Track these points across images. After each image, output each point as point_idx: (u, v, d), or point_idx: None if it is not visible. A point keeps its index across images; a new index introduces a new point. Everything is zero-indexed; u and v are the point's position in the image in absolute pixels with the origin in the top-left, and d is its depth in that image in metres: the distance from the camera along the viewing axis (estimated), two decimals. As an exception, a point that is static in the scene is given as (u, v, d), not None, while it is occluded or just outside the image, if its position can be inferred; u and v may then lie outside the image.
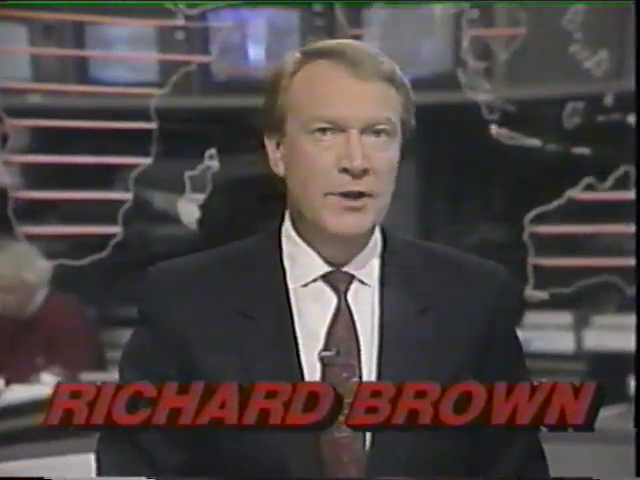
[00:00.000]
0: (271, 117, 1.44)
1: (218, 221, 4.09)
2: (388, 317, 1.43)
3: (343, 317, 1.43)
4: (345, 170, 1.39)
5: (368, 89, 1.40)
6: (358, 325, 1.43)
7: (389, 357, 1.41)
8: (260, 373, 1.39)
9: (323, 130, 1.40)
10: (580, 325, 4.14)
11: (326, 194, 1.40)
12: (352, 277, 1.45)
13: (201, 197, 3.98)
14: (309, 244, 1.45)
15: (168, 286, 1.45)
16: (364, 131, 1.40)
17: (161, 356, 1.43)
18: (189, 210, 3.99)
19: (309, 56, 1.43)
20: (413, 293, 1.45)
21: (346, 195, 1.40)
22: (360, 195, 1.40)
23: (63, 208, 4.08)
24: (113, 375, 3.60)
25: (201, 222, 3.99)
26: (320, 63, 1.42)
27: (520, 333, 1.51)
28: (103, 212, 3.97)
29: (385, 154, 1.41)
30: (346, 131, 1.40)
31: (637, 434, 2.64)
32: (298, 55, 1.44)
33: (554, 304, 3.98)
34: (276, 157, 1.45)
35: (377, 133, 1.41)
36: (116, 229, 3.95)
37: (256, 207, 3.23)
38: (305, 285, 1.44)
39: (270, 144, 1.46)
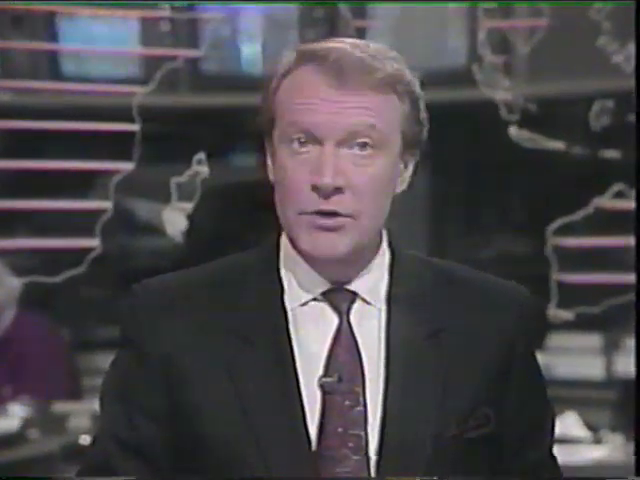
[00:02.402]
0: (263, 120, 1.46)
1: (207, 233, 4.10)
2: (395, 340, 1.44)
3: (345, 339, 1.44)
4: (316, 188, 1.40)
5: (351, 98, 1.40)
6: (362, 348, 1.44)
7: (396, 385, 1.43)
8: (256, 402, 1.42)
9: (302, 142, 1.41)
10: (610, 349, 4.16)
11: (300, 213, 1.41)
12: (355, 295, 1.46)
13: (188, 206, 3.99)
14: (307, 260, 1.46)
15: (154, 306, 1.46)
16: (343, 143, 1.40)
17: (147, 385, 1.44)
18: (175, 220, 4.00)
19: (301, 58, 1.44)
20: (423, 315, 1.46)
21: (319, 213, 1.40)
22: (334, 214, 1.40)
23: (34, 219, 4.09)
24: (91, 405, 3.62)
25: (188, 234, 3.99)
26: (307, 68, 1.43)
27: (543, 357, 1.54)
28: (79, 223, 3.99)
29: (368, 170, 1.41)
30: (322, 143, 1.40)
31: (637, 433, 2.66)
32: (293, 55, 1.45)
33: (581, 325, 3.99)
34: (270, 164, 1.47)
35: (361, 146, 1.41)
36: (94, 242, 3.96)
37: (250, 218, 3.25)
38: (304, 304, 1.46)
39: (267, 148, 1.48)
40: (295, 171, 1.41)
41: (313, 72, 1.42)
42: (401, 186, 1.48)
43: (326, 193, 1.40)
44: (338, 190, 1.40)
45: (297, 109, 1.41)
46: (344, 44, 1.44)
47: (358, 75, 1.40)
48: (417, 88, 1.45)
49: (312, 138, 1.41)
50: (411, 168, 1.48)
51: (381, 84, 1.41)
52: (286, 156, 1.42)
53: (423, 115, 1.46)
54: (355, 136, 1.41)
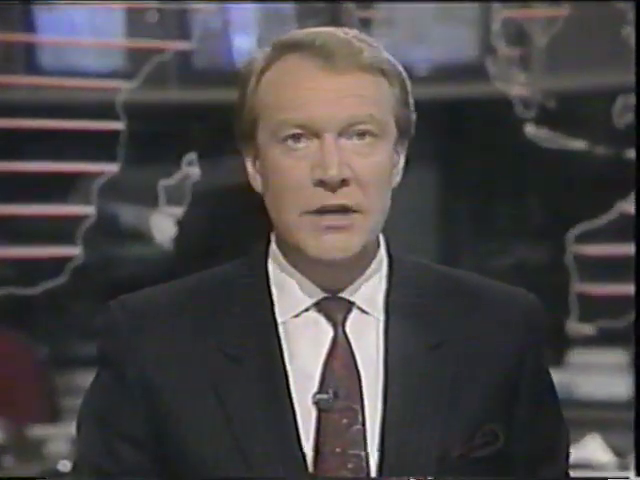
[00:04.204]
0: (242, 123, 1.47)
1: (198, 240, 4.12)
2: (395, 353, 1.45)
3: (341, 352, 1.45)
4: (321, 182, 1.41)
5: (344, 83, 1.42)
6: (359, 362, 1.45)
7: (397, 400, 1.43)
8: (246, 423, 1.42)
9: (297, 137, 1.42)
10: (635, 366, 4.16)
11: (302, 213, 1.42)
12: (351, 305, 1.47)
13: (178, 211, 4.01)
14: (298, 268, 1.47)
15: (135, 323, 1.47)
16: (343, 134, 1.42)
17: (128, 408, 1.45)
18: (163, 227, 4.02)
19: (279, 50, 1.45)
20: (425, 325, 1.47)
21: (324, 212, 1.41)
22: (343, 210, 1.41)
23: (10, 225, 4.10)
24: (70, 428, 3.62)
25: (177, 241, 4.02)
26: (289, 58, 1.44)
27: (562, 375, 1.54)
28: (59, 230, 4.00)
29: (371, 159, 1.43)
30: (321, 136, 1.41)
31: (636, 433, 2.67)
32: (268, 49, 1.47)
33: (603, 340, 3.99)
34: (253, 171, 1.49)
35: (360, 135, 1.43)
36: (75, 250, 3.97)
37: (243, 223, 3.26)
38: (296, 316, 1.47)
39: (246, 156, 1.49)
40: (294, 169, 1.42)
41: (300, 60, 1.43)
42: (395, 179, 1.49)
43: (332, 186, 1.41)
44: (344, 182, 1.41)
45: (288, 104, 1.42)
46: (325, 29, 1.47)
47: (348, 56, 1.42)
48: (402, 69, 1.48)
49: (309, 132, 1.42)
50: (402, 160, 1.50)
51: (371, 65, 1.44)
52: (280, 156, 1.43)
53: (411, 99, 1.49)
54: (354, 125, 1.42)
